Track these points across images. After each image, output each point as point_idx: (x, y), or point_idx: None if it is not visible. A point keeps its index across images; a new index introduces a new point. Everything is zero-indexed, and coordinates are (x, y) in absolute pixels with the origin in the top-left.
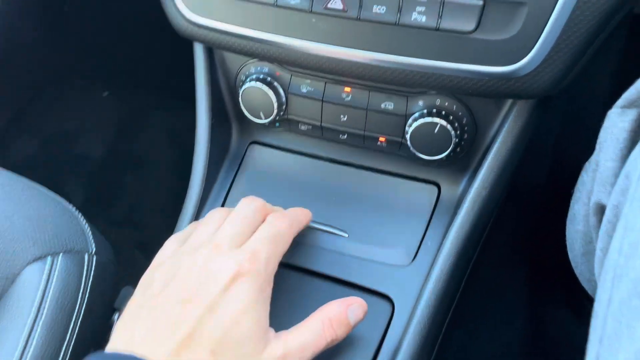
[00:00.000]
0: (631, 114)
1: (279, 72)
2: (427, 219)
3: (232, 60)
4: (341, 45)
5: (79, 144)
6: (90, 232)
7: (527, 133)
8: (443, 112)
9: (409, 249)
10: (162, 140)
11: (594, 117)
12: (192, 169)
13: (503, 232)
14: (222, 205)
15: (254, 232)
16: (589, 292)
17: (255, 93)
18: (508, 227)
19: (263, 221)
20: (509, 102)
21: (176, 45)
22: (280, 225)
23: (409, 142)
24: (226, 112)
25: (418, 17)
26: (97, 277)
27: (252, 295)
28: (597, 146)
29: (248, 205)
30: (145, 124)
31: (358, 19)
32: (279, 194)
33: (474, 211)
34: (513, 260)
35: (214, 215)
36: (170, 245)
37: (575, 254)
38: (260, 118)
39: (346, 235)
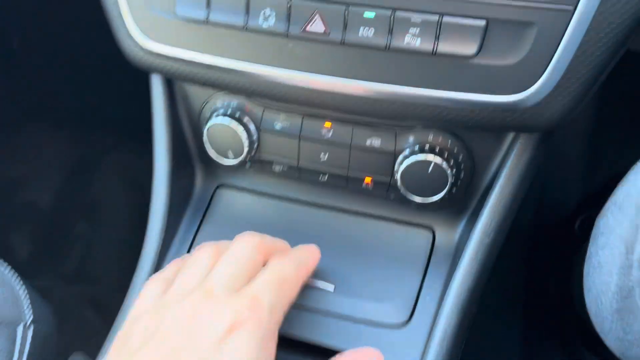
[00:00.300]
0: None
1: (250, 106)
2: (423, 268)
3: (196, 93)
4: (322, 74)
5: (24, 191)
6: (27, 299)
7: (532, 171)
8: (437, 149)
9: (404, 305)
10: (117, 186)
11: (577, 151)
12: (149, 218)
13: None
14: None
15: (254, 275)
16: (617, 351)
17: (223, 130)
18: (500, 272)
19: (264, 262)
20: (511, 135)
21: (133, 78)
22: (286, 270)
23: (399, 183)
24: (189, 153)
25: (412, 40)
26: (36, 349)
27: (252, 350)
28: None
29: (246, 243)
30: (99, 167)
31: (342, 43)
32: None
33: (477, 262)
34: (506, 309)
35: (204, 253)
36: (152, 289)
37: (601, 308)
38: (229, 158)
39: (331, 289)
